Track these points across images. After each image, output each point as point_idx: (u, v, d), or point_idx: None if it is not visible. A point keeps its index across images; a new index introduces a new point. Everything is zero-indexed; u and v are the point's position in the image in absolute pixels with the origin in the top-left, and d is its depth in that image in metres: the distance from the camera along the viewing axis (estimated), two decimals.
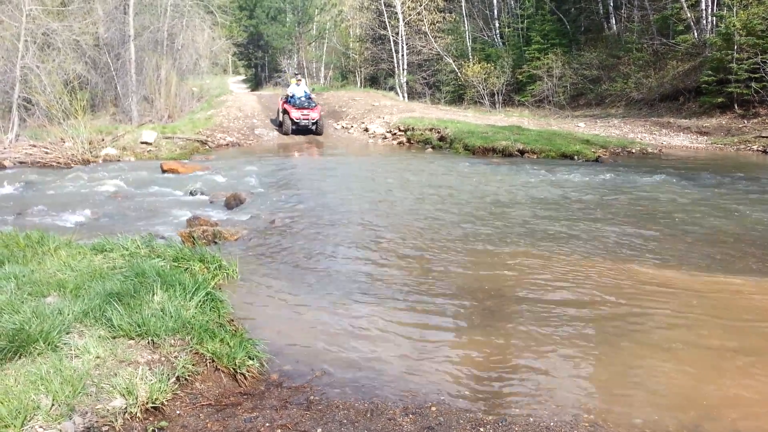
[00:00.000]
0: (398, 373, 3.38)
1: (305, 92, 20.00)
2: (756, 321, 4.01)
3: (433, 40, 33.15)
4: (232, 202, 8.30)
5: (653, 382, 3.23)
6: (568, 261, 5.50)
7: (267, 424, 2.77)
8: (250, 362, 3.29)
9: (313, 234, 6.64)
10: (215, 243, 6.05)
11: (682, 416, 2.89)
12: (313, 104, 19.42)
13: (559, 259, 5.57)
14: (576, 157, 14.22)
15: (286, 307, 4.42)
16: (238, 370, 3.22)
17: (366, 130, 19.92)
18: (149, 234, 5.78)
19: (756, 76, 18.73)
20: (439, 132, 17.87)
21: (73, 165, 13.43)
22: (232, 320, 3.90)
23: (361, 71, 38.24)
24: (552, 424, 2.84)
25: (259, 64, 52.75)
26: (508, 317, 4.18)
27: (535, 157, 14.65)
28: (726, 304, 4.35)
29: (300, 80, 20.61)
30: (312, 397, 3.07)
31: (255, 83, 51.42)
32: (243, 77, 58.34)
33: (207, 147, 17.39)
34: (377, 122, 20.26)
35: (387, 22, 32.82)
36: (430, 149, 17.08)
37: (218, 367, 3.22)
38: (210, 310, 3.81)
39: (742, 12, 19.72)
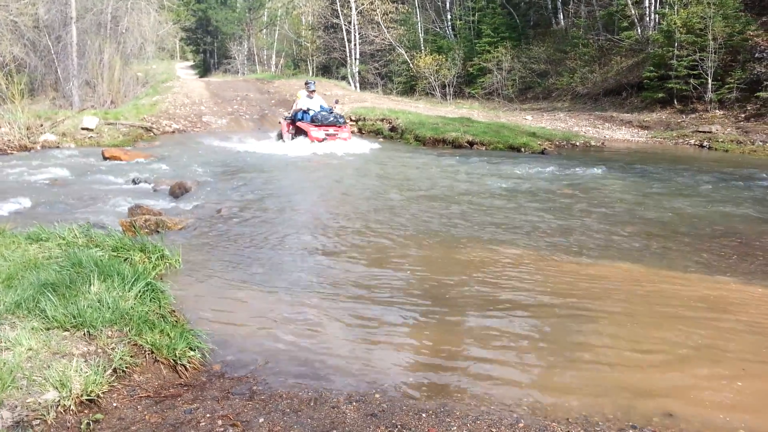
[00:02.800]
0: (344, 362, 3.38)
1: (322, 106, 14.47)
2: (691, 311, 4.18)
3: (385, 30, 33.10)
4: (177, 191, 8.11)
5: (591, 369, 3.33)
6: (512, 253, 5.61)
7: (207, 415, 2.73)
8: (192, 353, 3.24)
9: (261, 223, 6.56)
10: (158, 232, 5.90)
11: (617, 399, 3.00)
12: (342, 120, 14.12)
13: (505, 251, 5.68)
14: (523, 149, 14.52)
15: (230, 296, 4.36)
16: (179, 362, 3.16)
17: None
18: (87, 223, 5.59)
19: (694, 72, 19.51)
20: (390, 122, 17.91)
21: (9, 151, 12.84)
22: (174, 311, 3.82)
23: (313, 60, 37.87)
24: (492, 408, 2.90)
25: (207, 50, 51.55)
26: (453, 308, 4.23)
27: (483, 148, 14.87)
28: (662, 294, 4.53)
29: (314, 90, 14.66)
30: (255, 387, 3.04)
31: (203, 69, 50.25)
32: (191, 63, 56.90)
33: (152, 134, 16.91)
34: None
35: (339, 10, 32.58)
36: (381, 139, 17.10)
37: (158, 358, 3.15)
38: (150, 300, 3.72)
39: (682, 10, 20.46)
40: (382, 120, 18.20)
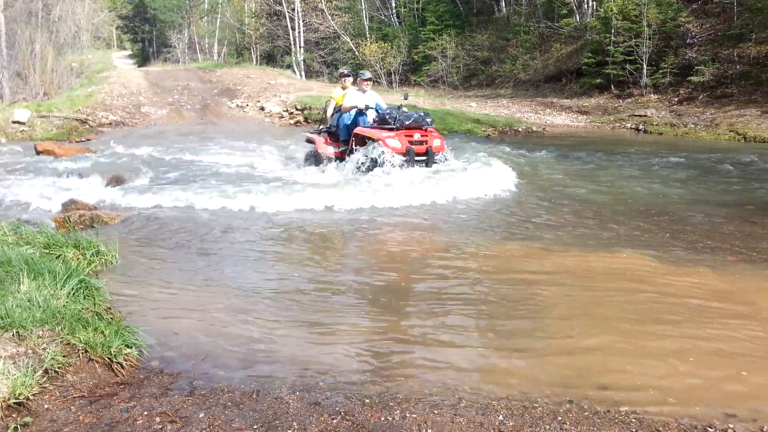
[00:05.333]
0: (287, 354, 3.36)
1: (377, 105, 8.97)
2: (626, 291, 4.33)
3: (330, 17, 32.80)
4: (114, 184, 7.85)
5: (534, 350, 3.42)
6: (455, 240, 5.69)
7: (145, 413, 2.67)
8: (128, 350, 3.15)
9: (201, 216, 6.43)
10: (93, 227, 5.70)
11: (555, 378, 3.08)
12: (431, 120, 8.51)
13: (449, 238, 5.76)
14: (467, 135, 14.73)
15: (169, 291, 4.26)
16: (115, 360, 3.07)
17: (262, 108, 19.48)
18: (18, 220, 5.36)
19: (630, 58, 20.16)
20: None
21: None
22: (110, 308, 3.70)
23: (256, 48, 37.21)
24: (435, 390, 2.95)
25: (146, 38, 49.96)
26: (397, 299, 4.27)
27: None
28: (597, 275, 4.68)
29: (370, 79, 9.26)
30: (195, 382, 2.99)
31: (142, 59, 48.65)
32: (129, 52, 54.94)
33: (87, 126, 16.29)
34: (274, 101, 19.87)
35: None
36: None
37: (92, 357, 3.05)
38: (84, 298, 3.60)
39: None
40: None
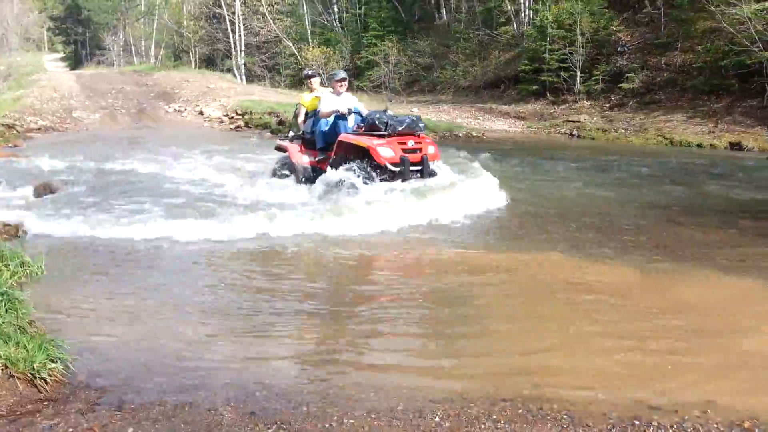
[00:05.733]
0: (222, 365, 3.28)
1: (356, 108, 7.80)
2: (567, 292, 4.47)
3: (271, 21, 32.49)
4: (42, 192, 7.50)
5: (471, 353, 3.47)
6: (393, 244, 5.73)
7: (70, 430, 2.56)
8: (52, 365, 3.01)
9: (133, 224, 6.20)
10: (18, 237, 5.43)
11: (491, 379, 3.14)
12: (423, 125, 7.61)
13: (388, 241, 5.79)
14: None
15: (98, 302, 4.10)
16: (38, 375, 2.93)
17: (201, 113, 19.08)
18: None
19: (565, 66, 20.86)
20: (278, 116, 17.63)
21: None
22: (33, 321, 3.53)
23: (195, 51, 36.44)
24: (372, 395, 2.95)
25: (79, 40, 48.16)
26: (337, 306, 4.26)
27: None
28: (534, 276, 4.81)
29: (344, 80, 8.02)
30: (124, 397, 2.89)
31: (75, 62, 46.84)
32: (61, 55, 52.74)
33: (15, 132, 15.50)
34: (213, 105, 19.50)
35: (222, 0, 31.51)
36: (268, 133, 16.79)
37: (13, 373, 2.90)
38: (6, 311, 3.42)
39: (554, 7, 21.79)
40: (270, 113, 17.88)
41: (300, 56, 31.35)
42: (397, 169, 6.86)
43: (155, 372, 3.16)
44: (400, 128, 7.06)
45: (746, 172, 11.01)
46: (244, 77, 31.74)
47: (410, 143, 7.14)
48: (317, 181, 7.43)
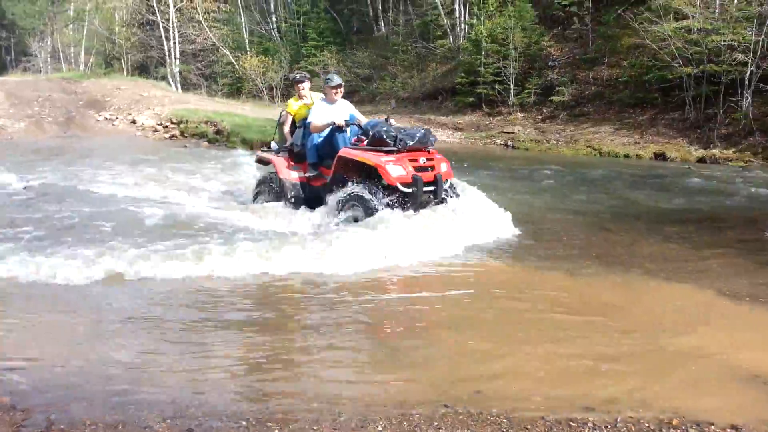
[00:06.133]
0: (158, 381, 3.17)
1: (352, 116, 6.70)
2: (503, 299, 4.56)
3: (207, 29, 31.91)
4: None
5: (413, 361, 3.49)
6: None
7: None
8: None
9: (61, 238, 5.92)
10: None
11: (433, 386, 3.17)
12: (433, 138, 6.39)
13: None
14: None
15: (24, 318, 3.89)
16: None
17: (134, 122, 18.45)
18: None
19: (499, 79, 21.49)
20: (215, 125, 17.32)
21: None
22: None
23: (128, 58, 35.31)
24: (315, 405, 2.92)
25: (3, 46, 45.77)
26: (278, 319, 4.20)
27: None
28: (469, 286, 4.90)
29: (339, 86, 6.74)
30: (53, 417, 2.74)
31: None
32: None
33: None
34: (147, 114, 18.91)
35: (156, 6, 30.70)
36: (205, 143, 16.45)
37: None
38: None
39: (488, 21, 22.42)
40: (206, 123, 17.51)
41: (238, 65, 30.91)
42: (409, 190, 5.81)
43: (85, 390, 3.02)
44: (410, 143, 5.94)
45: (669, 181, 11.64)
46: (179, 85, 30.99)
47: (422, 160, 6.02)
48: (317, 209, 6.48)
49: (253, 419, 2.77)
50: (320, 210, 6.45)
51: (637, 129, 17.85)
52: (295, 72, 7.57)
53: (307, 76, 7.36)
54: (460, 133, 19.51)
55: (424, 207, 5.98)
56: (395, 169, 5.80)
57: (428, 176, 6.02)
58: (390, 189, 5.83)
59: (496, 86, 21.52)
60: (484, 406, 2.91)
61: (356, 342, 3.76)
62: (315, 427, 2.71)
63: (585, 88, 20.51)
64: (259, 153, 7.80)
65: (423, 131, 6.18)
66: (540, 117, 20.69)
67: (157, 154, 13.14)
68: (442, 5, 26.16)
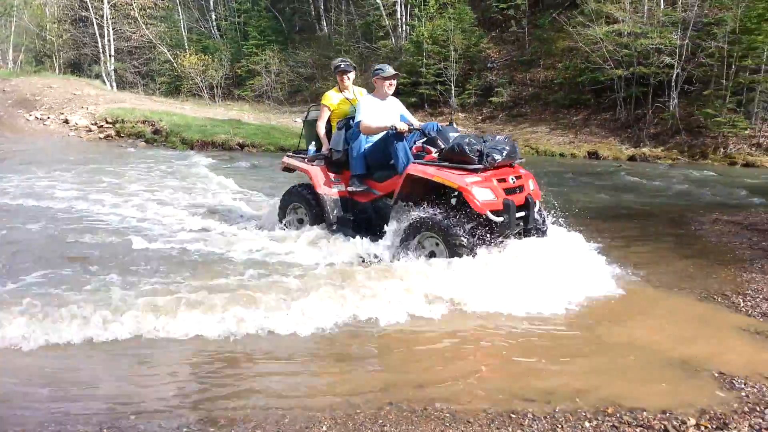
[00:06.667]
0: (94, 387, 3.08)
1: (403, 117, 5.59)
2: None
3: (144, 26, 30.97)
4: None
5: (358, 361, 3.52)
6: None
7: None
8: None
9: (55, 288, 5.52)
10: None
11: (377, 386, 3.21)
12: (518, 149, 5.08)
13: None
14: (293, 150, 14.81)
15: None
16: None
17: (66, 121, 17.74)
18: None
19: (440, 80, 21.77)
20: (153, 125, 16.86)
21: None
22: None
23: (60, 56, 33.83)
24: (259, 409, 2.90)
25: None
26: (219, 322, 4.12)
27: (254, 151, 14.81)
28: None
29: (392, 83, 5.47)
30: None
31: None
32: None
33: None
34: (80, 113, 18.22)
35: (89, 2, 29.56)
36: (142, 143, 15.99)
37: None
38: None
39: (428, 23, 22.68)
40: (143, 122, 17.02)
41: (176, 63, 30.14)
42: (500, 219, 4.60)
43: (16, 398, 2.92)
44: (499, 158, 4.69)
45: (601, 178, 12.12)
46: (114, 84, 29.95)
47: (511, 179, 4.82)
48: (381, 243, 5.07)
49: (195, 425, 2.73)
50: (373, 240, 5.19)
51: (571, 129, 18.48)
52: (339, 59, 5.94)
53: (354, 65, 5.95)
54: None
55: (508, 237, 4.74)
56: (483, 192, 4.55)
57: (518, 199, 4.80)
58: (473, 216, 4.63)
59: (438, 87, 21.81)
60: (427, 402, 2.97)
61: (298, 342, 3.74)
62: (258, 430, 2.70)
63: (522, 90, 21.06)
64: (287, 158, 6.17)
65: (509, 142, 4.90)
66: (480, 117, 21.11)
67: (103, 158, 12.68)
68: (383, 6, 26.29)
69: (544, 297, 4.23)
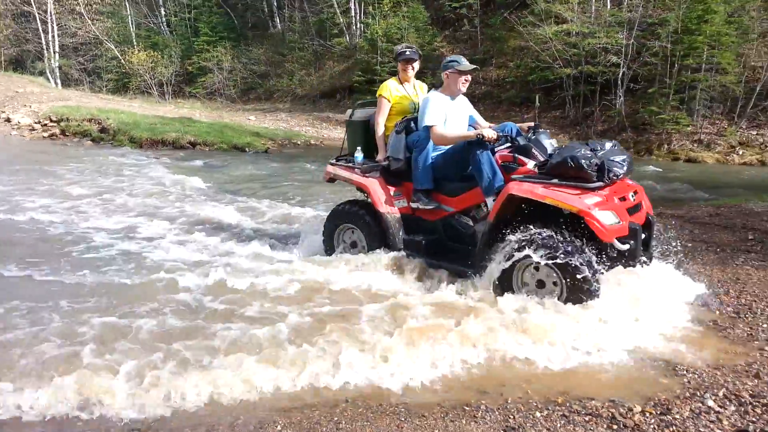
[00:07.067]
0: (30, 388, 2.98)
1: (471, 118, 4.80)
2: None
3: (90, 22, 30.01)
4: None
5: (307, 358, 3.49)
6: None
7: None
8: None
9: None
10: None
11: (332, 378, 3.20)
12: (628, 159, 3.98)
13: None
14: (247, 149, 14.63)
15: None
16: None
17: (8, 120, 17.03)
18: None
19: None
20: (100, 123, 16.34)
21: None
22: None
23: (1, 52, 32.43)
24: (211, 411, 2.87)
25: None
26: (169, 322, 4.05)
27: (207, 149, 14.56)
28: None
29: (467, 78, 4.48)
30: None
31: None
32: None
33: None
34: (23, 111, 17.52)
35: None
36: (89, 142, 15.50)
37: None
38: None
39: (383, 21, 22.72)
40: (90, 120, 16.47)
41: (124, 60, 29.32)
42: (626, 247, 3.77)
43: None
44: (621, 173, 3.91)
45: None
46: (59, 81, 28.93)
47: (631, 196, 4.03)
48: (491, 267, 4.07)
49: (145, 429, 2.68)
50: (453, 265, 4.41)
51: None
52: (403, 45, 5.03)
53: (420, 52, 5.03)
54: None
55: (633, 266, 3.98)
56: (607, 215, 3.75)
57: (639, 218, 4.05)
58: (590, 243, 3.81)
59: None
60: (383, 398, 2.99)
61: (251, 341, 3.68)
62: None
63: (476, 88, 21.32)
64: (333, 167, 5.13)
65: (621, 149, 4.10)
66: None
67: (55, 159, 12.21)
68: (337, 3, 26.21)
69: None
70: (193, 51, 30.05)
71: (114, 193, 8.44)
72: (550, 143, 4.21)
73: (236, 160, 12.63)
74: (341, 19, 26.49)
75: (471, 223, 4.50)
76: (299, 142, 16.40)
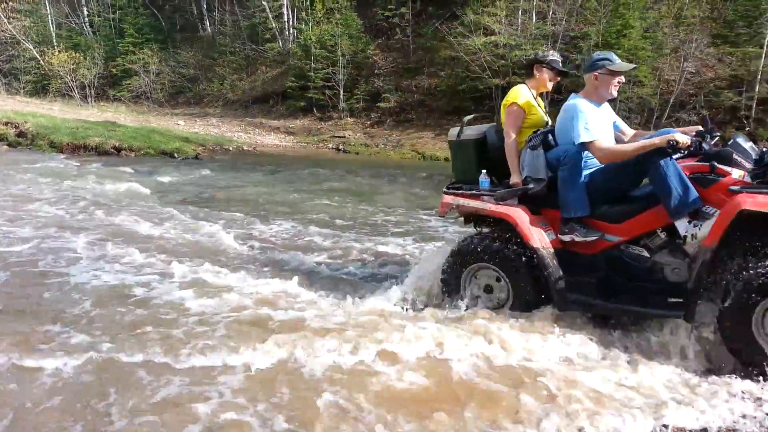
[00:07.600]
0: None
1: (615, 125, 3.97)
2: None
3: (6, 20, 28.51)
4: None
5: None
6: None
7: None
8: None
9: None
10: None
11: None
12: None
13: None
14: (176, 154, 14.30)
15: None
16: None
17: None
18: None
19: (329, 84, 21.93)
20: (17, 127, 15.59)
21: None
22: None
23: None
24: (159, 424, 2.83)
25: None
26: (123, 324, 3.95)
27: (133, 155, 14.14)
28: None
29: (620, 80, 3.70)
30: None
31: None
32: None
33: None
34: None
35: None
36: (5, 146, 14.74)
37: None
38: None
39: (316, 27, 22.76)
40: (6, 124, 15.68)
41: (43, 61, 27.99)
42: None
43: None
44: None
45: None
46: None
47: None
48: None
49: None
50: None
51: None
52: (551, 52, 4.36)
53: (566, 56, 3.99)
54: (292, 137, 19.60)
55: None
56: None
57: None
58: None
59: (327, 91, 21.94)
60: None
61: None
62: None
63: (408, 96, 21.70)
64: (453, 198, 4.07)
65: None
66: (368, 122, 21.48)
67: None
68: (269, 8, 26.01)
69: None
70: (117, 53, 29.06)
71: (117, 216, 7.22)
72: (750, 146, 3.46)
73: (167, 166, 12.30)
74: (274, 24, 26.32)
75: (646, 254, 3.63)
76: (231, 148, 16.17)
